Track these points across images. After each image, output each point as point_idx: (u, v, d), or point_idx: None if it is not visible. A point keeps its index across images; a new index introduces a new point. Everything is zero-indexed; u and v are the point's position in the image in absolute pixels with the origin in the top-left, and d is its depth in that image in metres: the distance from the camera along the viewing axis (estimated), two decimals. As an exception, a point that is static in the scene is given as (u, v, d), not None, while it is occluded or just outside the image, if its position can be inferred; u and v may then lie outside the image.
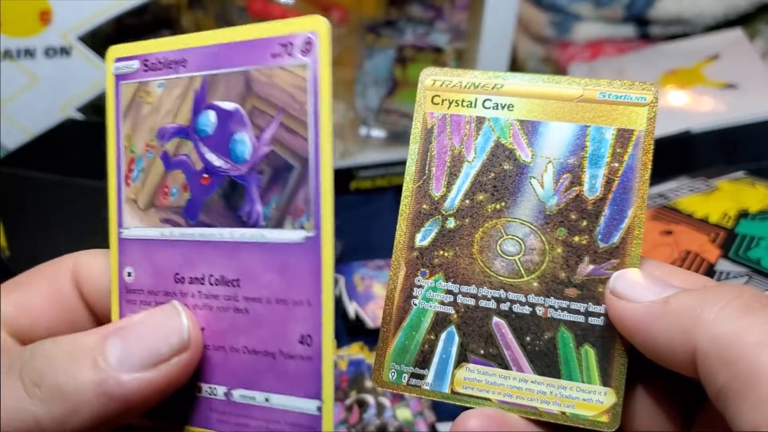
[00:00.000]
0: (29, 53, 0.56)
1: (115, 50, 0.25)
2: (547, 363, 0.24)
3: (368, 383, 0.44)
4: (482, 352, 0.25)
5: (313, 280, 0.22)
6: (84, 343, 0.22)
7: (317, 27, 0.22)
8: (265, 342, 0.23)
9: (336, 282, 0.55)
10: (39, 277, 0.27)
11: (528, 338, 0.25)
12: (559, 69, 0.77)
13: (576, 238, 0.25)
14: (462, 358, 0.25)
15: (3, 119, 0.58)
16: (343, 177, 0.69)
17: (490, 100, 0.26)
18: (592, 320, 0.24)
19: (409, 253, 0.26)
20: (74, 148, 0.56)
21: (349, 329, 0.51)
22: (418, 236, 0.26)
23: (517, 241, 0.25)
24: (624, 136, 0.25)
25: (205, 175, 0.24)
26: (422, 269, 0.26)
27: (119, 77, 0.25)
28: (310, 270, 0.22)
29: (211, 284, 0.24)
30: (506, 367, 0.25)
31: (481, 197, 0.25)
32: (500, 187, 0.25)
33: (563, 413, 0.24)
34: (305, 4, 0.64)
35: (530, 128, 0.25)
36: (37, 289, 0.26)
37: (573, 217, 0.25)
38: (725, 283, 0.23)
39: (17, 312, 0.25)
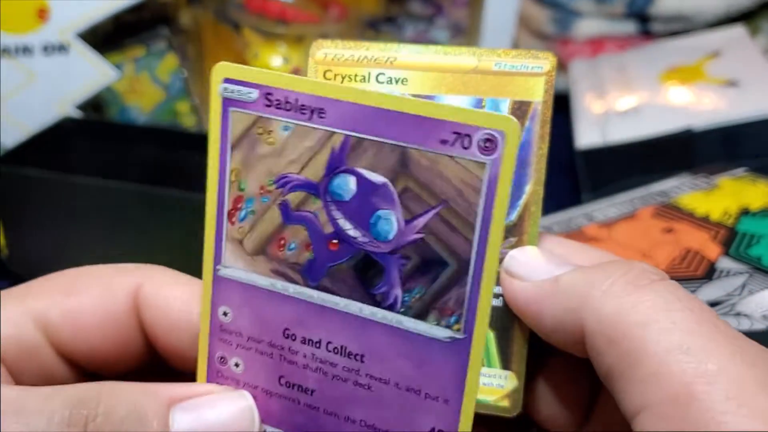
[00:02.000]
0: (27, 50, 0.56)
1: (227, 69, 0.22)
2: None
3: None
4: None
5: (454, 381, 0.21)
6: (148, 406, 0.20)
7: (506, 127, 0.19)
8: (388, 423, 0.22)
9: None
10: (93, 284, 0.24)
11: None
12: (559, 66, 0.77)
13: None
14: None
15: (0, 116, 0.57)
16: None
17: (384, 74, 0.24)
18: (493, 302, 0.22)
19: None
20: (73, 146, 0.56)
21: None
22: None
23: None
24: (521, 108, 0.24)
25: (335, 241, 0.22)
26: None
27: (228, 102, 0.22)
28: (452, 370, 0.21)
29: (329, 351, 0.22)
30: None
31: None
32: None
33: None
34: (305, 2, 0.64)
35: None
36: (89, 298, 0.24)
37: None
38: (620, 260, 0.22)
39: (63, 321, 0.23)
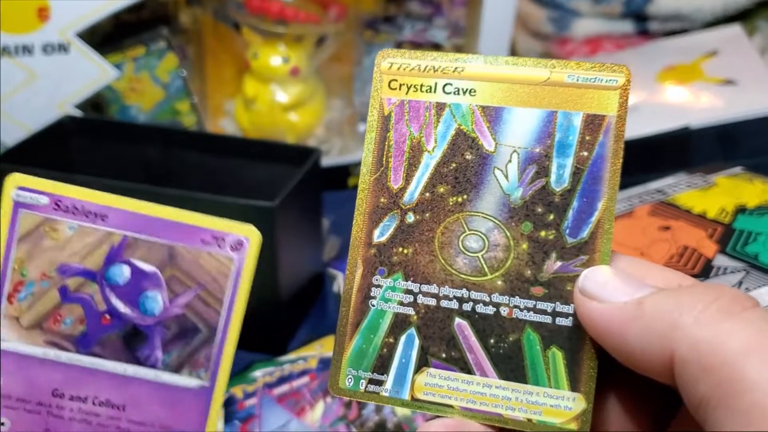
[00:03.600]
0: (27, 50, 0.56)
1: (19, 179, 0.27)
2: (512, 367, 0.23)
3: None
4: (444, 355, 0.23)
5: (200, 419, 0.26)
6: None
7: (251, 235, 0.26)
8: None
9: (335, 279, 0.55)
10: None
11: (492, 340, 0.23)
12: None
13: (542, 233, 0.23)
14: (422, 363, 0.23)
15: (1, 116, 0.58)
16: (341, 173, 0.69)
17: (451, 84, 0.24)
18: (560, 321, 0.23)
19: (366, 251, 0.24)
20: (73, 145, 0.56)
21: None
22: (376, 232, 0.24)
23: (480, 236, 0.23)
24: (593, 122, 0.23)
25: (107, 316, 0.27)
26: (380, 267, 0.24)
27: (19, 204, 0.27)
28: (200, 411, 0.26)
29: (94, 404, 0.27)
30: (469, 371, 0.23)
31: (442, 190, 0.24)
32: (462, 178, 0.24)
33: (529, 420, 0.23)
34: (304, 2, 0.64)
35: (493, 115, 0.24)
36: None
37: (539, 210, 0.23)
38: (703, 283, 0.22)
39: None
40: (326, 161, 0.66)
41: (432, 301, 0.24)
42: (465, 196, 0.24)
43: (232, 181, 0.54)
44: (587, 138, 0.23)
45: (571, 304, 0.23)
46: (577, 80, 0.23)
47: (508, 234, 0.23)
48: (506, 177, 0.23)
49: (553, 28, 0.79)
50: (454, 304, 0.23)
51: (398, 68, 0.25)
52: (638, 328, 0.20)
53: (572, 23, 0.78)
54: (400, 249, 0.24)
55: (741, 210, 0.42)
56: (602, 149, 0.23)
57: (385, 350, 0.24)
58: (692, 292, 0.20)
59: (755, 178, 0.46)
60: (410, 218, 0.24)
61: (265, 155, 0.53)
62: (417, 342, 0.23)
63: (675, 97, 0.62)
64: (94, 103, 0.64)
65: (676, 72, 0.65)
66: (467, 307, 0.23)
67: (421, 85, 0.24)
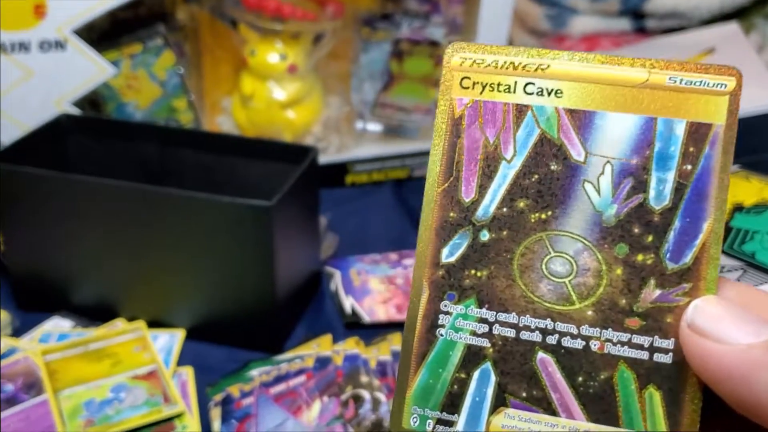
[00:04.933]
0: (24, 47, 0.56)
1: None
2: (603, 408, 0.20)
3: (363, 378, 0.44)
4: (524, 394, 0.20)
5: None
6: None
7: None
8: None
9: (332, 277, 0.55)
10: None
11: (580, 378, 0.20)
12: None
13: (639, 257, 0.20)
14: (500, 402, 0.21)
15: (-3, 114, 0.57)
16: (339, 171, 0.69)
17: (534, 84, 0.21)
18: (659, 357, 0.20)
19: (433, 272, 0.21)
20: (70, 143, 0.56)
21: (346, 324, 0.51)
22: (445, 251, 0.21)
23: (567, 259, 0.21)
24: (698, 131, 0.20)
25: None
26: (450, 292, 0.21)
27: None
28: None
29: None
30: (554, 413, 0.20)
31: (522, 204, 0.21)
32: (546, 192, 0.21)
33: None
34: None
35: (583, 120, 0.21)
36: None
37: (636, 230, 0.21)
38: None
39: None
40: (324, 158, 0.66)
41: (511, 333, 0.21)
42: (549, 213, 0.21)
43: (229, 179, 0.54)
44: (691, 149, 0.20)
45: (672, 339, 0.20)
46: (680, 83, 0.21)
47: (600, 257, 0.21)
48: (598, 191, 0.21)
49: (550, 26, 0.79)
50: (537, 337, 0.21)
51: (471, 64, 0.22)
52: (766, 376, 0.17)
53: (569, 20, 0.78)
54: (473, 271, 0.21)
55: (738, 208, 0.42)
56: (708, 162, 0.20)
57: (455, 387, 0.21)
58: None
59: (752, 176, 0.46)
60: (485, 236, 0.21)
61: (263, 153, 0.53)
62: (493, 378, 0.21)
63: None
64: (91, 101, 0.64)
65: (674, 70, 0.65)
66: (552, 340, 0.21)
67: (499, 84, 0.22)
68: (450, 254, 0.21)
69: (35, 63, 0.57)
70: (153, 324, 0.49)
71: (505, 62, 0.22)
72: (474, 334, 0.21)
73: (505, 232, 0.21)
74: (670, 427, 0.20)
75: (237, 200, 0.43)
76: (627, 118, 0.21)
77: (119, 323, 0.49)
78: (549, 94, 0.21)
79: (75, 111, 0.59)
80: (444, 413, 0.21)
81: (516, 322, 0.21)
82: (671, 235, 0.20)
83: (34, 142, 0.52)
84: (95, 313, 0.50)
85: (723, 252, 0.39)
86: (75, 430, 0.40)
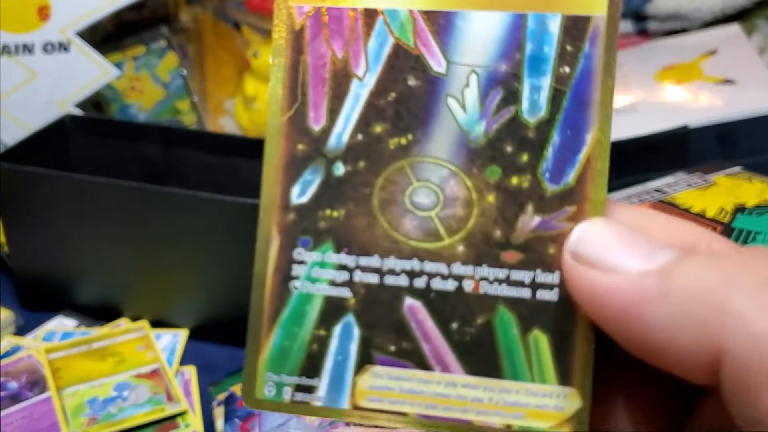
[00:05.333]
0: (27, 48, 0.56)
1: None
2: (482, 358, 0.17)
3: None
4: (393, 348, 0.18)
5: None
6: None
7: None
8: None
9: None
10: None
11: (454, 325, 0.18)
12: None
13: (514, 180, 0.18)
14: (365, 359, 0.18)
15: (1, 115, 0.58)
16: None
17: None
18: (542, 294, 0.17)
19: (282, 216, 0.18)
20: (73, 144, 0.56)
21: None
22: (295, 190, 0.18)
23: (433, 188, 0.18)
24: (576, 26, 0.17)
25: None
26: (303, 237, 0.18)
27: None
28: None
29: None
30: (426, 366, 0.18)
31: (379, 129, 0.18)
32: (405, 112, 0.18)
33: (509, 426, 0.17)
34: None
35: (442, 23, 0.18)
36: None
37: (508, 149, 0.18)
38: (743, 247, 0.17)
39: None
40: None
41: (374, 278, 0.18)
42: (410, 136, 0.18)
43: (232, 179, 0.54)
44: (568, 48, 0.17)
45: (556, 272, 0.17)
46: None
47: (469, 183, 0.18)
48: (463, 107, 0.18)
49: (552, 28, 0.79)
50: (403, 280, 0.18)
51: None
52: (665, 309, 0.14)
53: (572, 23, 0.78)
54: (328, 211, 0.18)
55: (740, 209, 0.42)
56: (588, 63, 0.17)
57: (315, 346, 0.18)
58: (741, 260, 0.15)
59: (754, 177, 0.46)
60: (339, 169, 0.18)
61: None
62: (357, 333, 0.18)
63: (674, 97, 0.62)
64: (95, 102, 0.64)
65: (675, 71, 0.65)
66: (420, 282, 0.18)
67: None
68: (301, 193, 0.18)
69: (39, 65, 0.57)
70: (156, 323, 0.49)
71: None
72: (333, 283, 0.18)
73: (361, 163, 0.18)
74: (560, 375, 0.17)
75: (240, 200, 0.43)
76: (492, 16, 0.18)
77: (123, 322, 0.49)
78: None
79: (78, 112, 0.59)
80: (303, 378, 0.18)
81: (379, 265, 0.18)
82: (549, 152, 0.17)
83: (38, 142, 0.52)
84: (99, 313, 0.50)
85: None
86: (78, 427, 0.41)
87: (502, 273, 0.18)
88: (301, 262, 0.18)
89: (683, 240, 0.17)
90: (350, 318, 0.18)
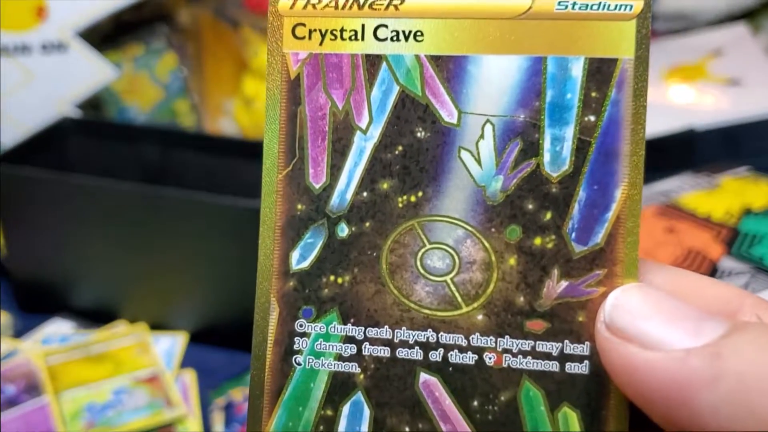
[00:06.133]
0: (25, 49, 0.56)
1: None
2: None
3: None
4: (407, 429, 0.16)
5: None
6: None
7: None
8: None
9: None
10: None
11: (476, 403, 0.16)
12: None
13: (537, 241, 0.16)
14: None
15: (0, 116, 0.57)
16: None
17: (386, 26, 0.16)
18: (572, 368, 0.16)
19: (282, 283, 0.17)
20: (72, 145, 0.56)
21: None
22: (295, 255, 0.17)
23: (447, 251, 0.16)
24: (602, 70, 0.16)
25: None
26: (305, 307, 0.17)
27: None
28: None
29: None
30: None
31: (386, 186, 0.16)
32: (414, 167, 0.16)
33: None
34: None
35: (452, 69, 0.16)
36: None
37: (530, 207, 0.16)
38: None
39: None
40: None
41: (385, 352, 0.16)
42: (420, 194, 0.16)
43: (231, 181, 0.54)
44: (593, 95, 0.16)
45: (586, 343, 0.16)
46: (573, 8, 0.16)
47: (487, 245, 0.16)
48: (478, 161, 0.16)
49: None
50: (417, 354, 0.16)
51: (305, 5, 0.17)
52: (718, 397, 0.13)
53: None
54: (332, 278, 0.17)
55: (747, 212, 0.42)
56: (616, 110, 0.16)
57: (321, 428, 0.17)
58: None
59: (761, 179, 0.46)
60: (343, 231, 0.17)
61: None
62: (367, 412, 0.16)
63: (680, 97, 0.61)
64: (93, 103, 0.64)
65: (681, 72, 0.64)
66: (436, 356, 0.16)
67: (342, 30, 0.17)
68: (302, 258, 0.17)
69: (37, 65, 0.57)
70: (155, 327, 0.49)
71: (347, 0, 0.17)
72: (339, 358, 0.17)
73: (368, 224, 0.17)
74: None
75: (239, 202, 0.43)
76: (508, 60, 0.16)
77: (121, 326, 0.49)
78: (407, 37, 0.16)
79: (77, 114, 0.59)
80: None
81: (390, 337, 0.16)
82: (575, 209, 0.16)
83: (36, 144, 0.52)
84: (97, 315, 0.50)
85: (730, 254, 0.38)
86: (75, 434, 0.40)
87: (526, 344, 0.16)
88: (304, 335, 0.17)
89: (725, 305, 0.15)
90: (360, 396, 0.17)
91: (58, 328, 0.49)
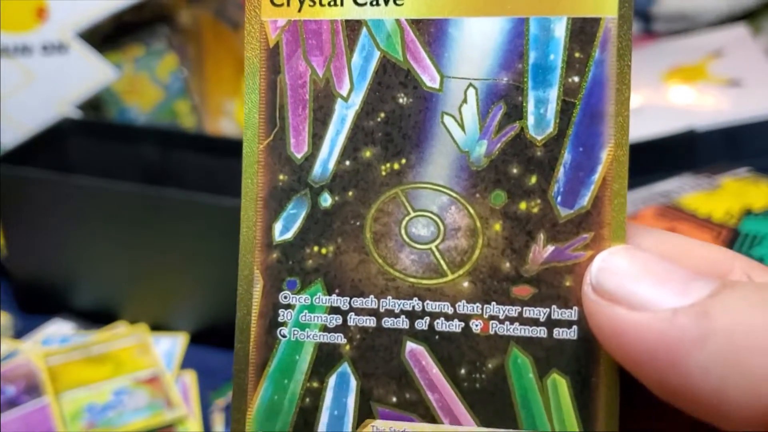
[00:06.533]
0: (26, 50, 0.56)
1: None
2: (495, 407, 0.16)
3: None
4: (394, 399, 0.16)
5: None
6: None
7: None
8: None
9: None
10: None
11: (463, 371, 0.16)
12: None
13: (522, 205, 0.16)
14: (365, 413, 0.16)
15: (0, 117, 0.57)
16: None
17: None
18: (560, 333, 0.16)
19: (265, 255, 0.17)
20: (72, 146, 0.56)
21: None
22: (278, 226, 0.17)
23: (431, 218, 0.16)
24: (585, 30, 0.15)
25: None
26: (289, 278, 0.17)
27: None
28: None
29: None
30: (433, 419, 0.16)
31: (368, 154, 0.16)
32: (396, 134, 0.16)
33: None
34: None
35: (434, 32, 0.16)
36: None
37: (514, 171, 0.16)
38: None
39: None
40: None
41: (370, 321, 0.16)
42: (403, 161, 0.16)
43: (231, 182, 0.54)
44: (577, 55, 0.16)
45: (575, 308, 0.16)
46: None
47: (472, 211, 0.16)
48: (461, 126, 0.16)
49: (556, 28, 0.79)
50: (403, 323, 0.16)
51: None
52: (707, 356, 0.12)
53: (576, 23, 0.77)
54: (316, 248, 0.16)
55: (747, 212, 0.42)
56: (600, 70, 0.15)
57: (308, 400, 0.16)
58: None
59: (762, 179, 0.46)
60: (326, 201, 0.16)
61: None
62: (354, 383, 0.16)
63: (680, 98, 0.61)
64: (93, 104, 0.64)
65: (681, 72, 0.64)
66: (422, 324, 0.16)
67: None
68: (285, 229, 0.17)
69: (37, 66, 0.57)
70: (155, 328, 0.49)
71: None
72: (325, 329, 0.16)
73: (351, 193, 0.16)
74: (582, 422, 0.15)
75: (239, 202, 0.43)
76: (490, 23, 0.16)
77: (121, 326, 0.49)
78: (386, 1, 0.16)
79: (78, 114, 0.59)
80: None
81: (375, 306, 0.16)
82: (561, 172, 0.16)
83: (37, 145, 0.52)
84: (97, 316, 0.50)
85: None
86: (75, 434, 0.40)
87: (513, 310, 0.16)
88: (289, 306, 0.17)
89: (715, 266, 0.15)
90: (346, 367, 0.16)
91: (59, 328, 0.49)
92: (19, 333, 0.49)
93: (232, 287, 0.48)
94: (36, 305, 0.51)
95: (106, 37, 0.62)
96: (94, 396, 0.43)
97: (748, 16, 0.70)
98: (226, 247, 0.45)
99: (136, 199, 0.45)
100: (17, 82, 0.57)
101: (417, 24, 0.16)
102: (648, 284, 0.14)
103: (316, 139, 0.16)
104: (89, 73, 0.58)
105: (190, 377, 0.46)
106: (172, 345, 0.48)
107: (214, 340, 0.49)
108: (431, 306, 0.16)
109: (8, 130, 0.57)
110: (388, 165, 0.16)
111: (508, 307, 0.16)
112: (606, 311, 0.14)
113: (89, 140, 0.56)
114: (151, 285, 0.48)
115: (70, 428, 0.40)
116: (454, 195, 0.16)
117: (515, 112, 0.16)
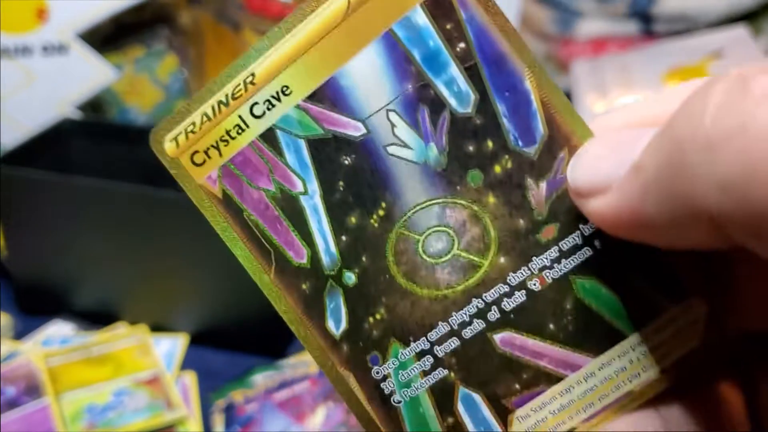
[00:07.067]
0: (26, 50, 0.56)
1: None
2: (597, 334, 0.17)
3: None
4: (517, 386, 0.17)
5: None
6: None
7: None
8: None
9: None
10: None
11: (551, 325, 0.17)
12: (561, 66, 0.77)
13: (497, 169, 0.17)
14: (504, 414, 0.17)
15: (0, 117, 0.57)
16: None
17: (257, 102, 0.17)
18: (599, 243, 0.17)
19: (338, 352, 0.18)
20: (72, 147, 0.56)
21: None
22: (330, 324, 0.18)
23: (438, 231, 0.17)
24: (440, 4, 0.17)
25: None
26: (370, 356, 0.18)
27: None
28: None
29: None
30: (558, 378, 0.17)
31: (353, 220, 0.17)
32: (363, 189, 0.17)
33: (666, 367, 0.17)
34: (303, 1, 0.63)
35: (330, 94, 0.17)
36: None
37: (471, 148, 0.17)
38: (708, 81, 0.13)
39: None
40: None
41: (454, 343, 0.17)
42: (383, 204, 0.17)
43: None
44: (448, 27, 0.17)
45: None
46: None
47: (463, 202, 0.17)
48: (405, 145, 0.17)
49: (557, 29, 0.79)
50: (479, 324, 0.17)
51: (186, 136, 0.18)
52: (654, 203, 0.13)
53: (576, 24, 0.77)
54: (371, 319, 0.17)
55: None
56: (476, 24, 0.16)
57: None
58: (686, 111, 0.13)
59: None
60: (350, 278, 0.17)
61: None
62: (477, 397, 0.17)
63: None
64: (94, 105, 0.64)
65: (681, 73, 0.64)
66: (494, 314, 0.17)
67: (227, 131, 0.17)
68: (337, 322, 0.18)
69: (38, 67, 0.57)
70: (155, 328, 0.49)
71: (211, 107, 0.17)
72: (425, 373, 0.17)
73: (364, 258, 0.17)
74: (670, 298, 0.17)
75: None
76: (365, 54, 0.17)
77: (121, 327, 0.49)
78: (278, 98, 0.17)
79: (78, 115, 0.59)
80: None
81: (449, 328, 0.17)
82: (505, 123, 0.17)
83: (37, 146, 0.52)
84: (97, 317, 0.50)
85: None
86: (76, 435, 0.40)
87: (553, 252, 0.17)
88: (385, 378, 0.18)
89: (653, 113, 0.15)
90: (462, 389, 0.17)
91: (59, 329, 0.49)
92: (20, 334, 0.49)
93: (232, 288, 0.48)
94: (36, 306, 0.51)
95: (106, 37, 0.62)
96: (94, 397, 0.43)
97: (748, 17, 0.70)
98: (226, 247, 0.45)
99: (136, 200, 0.45)
100: (17, 82, 0.57)
101: (313, 98, 0.17)
102: (607, 164, 0.14)
103: (307, 237, 0.18)
104: (89, 73, 0.58)
105: (191, 378, 0.46)
106: (172, 346, 0.48)
107: (214, 341, 0.49)
108: (490, 295, 0.17)
109: (8, 130, 0.57)
110: (375, 217, 0.17)
111: (547, 253, 0.17)
112: (590, 208, 0.15)
113: (89, 141, 0.56)
114: (151, 286, 0.48)
115: (71, 429, 0.40)
116: (441, 200, 0.17)
117: (437, 105, 0.17)
